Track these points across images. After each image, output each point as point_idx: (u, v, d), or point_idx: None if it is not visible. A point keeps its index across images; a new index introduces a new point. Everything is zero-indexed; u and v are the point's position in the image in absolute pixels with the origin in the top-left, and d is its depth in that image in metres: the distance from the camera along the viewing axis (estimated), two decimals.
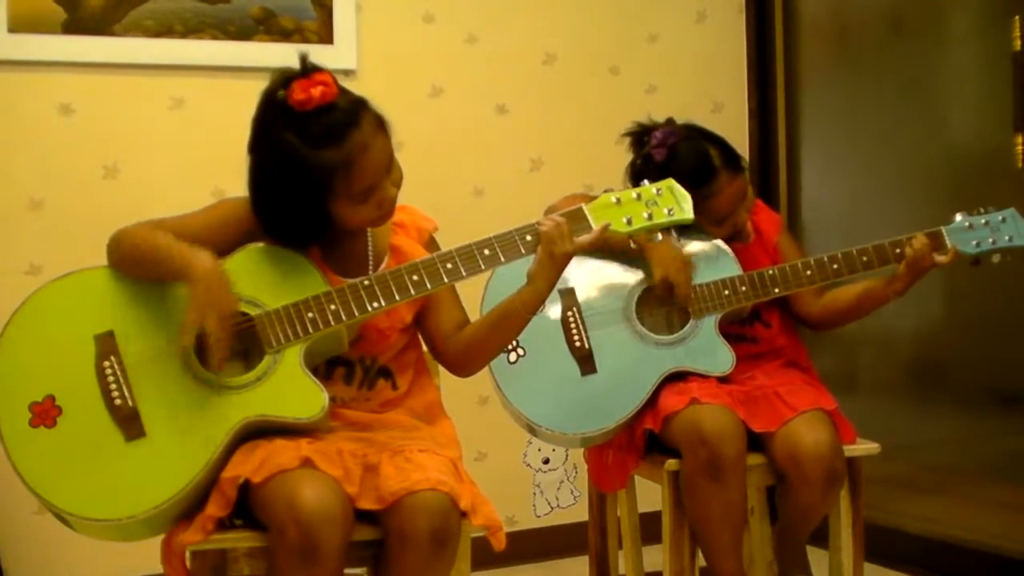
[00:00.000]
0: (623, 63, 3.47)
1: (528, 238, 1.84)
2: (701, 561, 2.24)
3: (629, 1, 3.49)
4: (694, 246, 2.29)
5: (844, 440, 2.22)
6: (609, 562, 2.56)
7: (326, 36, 3.10)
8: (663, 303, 2.29)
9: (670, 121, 2.33)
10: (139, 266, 1.80)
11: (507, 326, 1.91)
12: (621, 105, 3.37)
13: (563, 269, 1.84)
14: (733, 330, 2.32)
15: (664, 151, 2.26)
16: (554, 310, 2.23)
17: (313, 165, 1.73)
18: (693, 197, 2.12)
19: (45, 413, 1.73)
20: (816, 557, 2.37)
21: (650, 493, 2.38)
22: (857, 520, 2.28)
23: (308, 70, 1.74)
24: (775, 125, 3.65)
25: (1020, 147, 2.83)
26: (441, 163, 3.22)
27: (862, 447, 2.26)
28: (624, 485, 2.34)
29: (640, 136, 2.32)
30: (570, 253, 1.82)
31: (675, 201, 1.87)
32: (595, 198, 1.88)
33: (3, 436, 1.72)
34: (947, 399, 3.24)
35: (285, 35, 3.06)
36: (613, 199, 1.87)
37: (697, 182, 2.22)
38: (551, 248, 1.81)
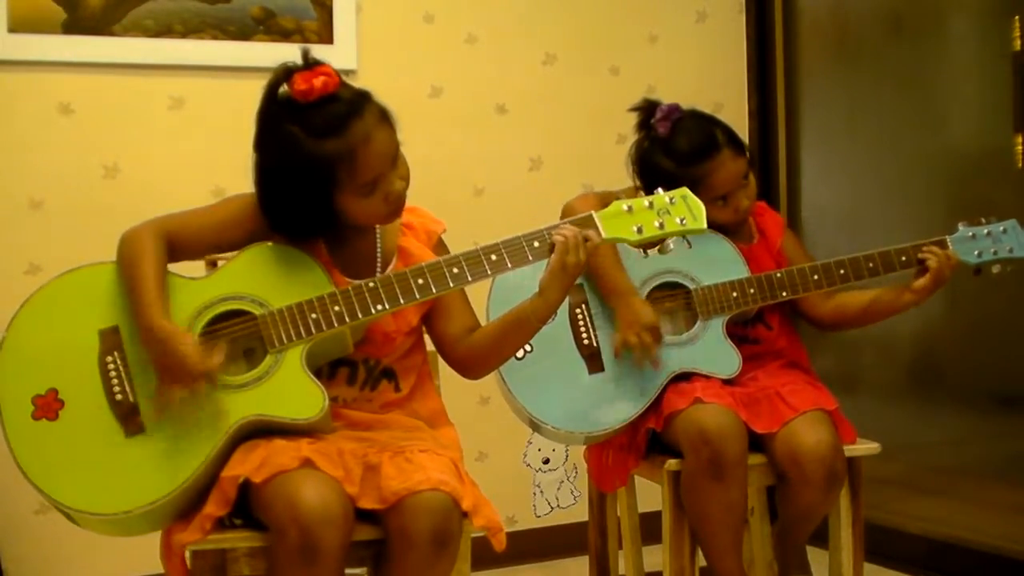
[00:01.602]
0: (623, 63, 3.47)
1: (536, 244, 1.82)
2: (701, 561, 2.24)
3: (629, 1, 3.49)
4: (705, 248, 2.28)
5: (844, 440, 2.22)
6: (609, 562, 2.56)
7: (326, 36, 3.09)
8: (672, 307, 2.28)
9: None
10: (124, 286, 1.80)
11: (518, 333, 1.91)
12: (621, 105, 3.34)
13: (576, 279, 1.84)
14: (736, 331, 2.32)
15: (668, 124, 2.26)
16: (562, 307, 2.21)
17: (316, 156, 1.73)
18: (694, 172, 2.15)
19: (47, 406, 1.74)
20: (816, 557, 2.37)
21: (650, 493, 2.38)
22: (857, 520, 2.28)
23: (310, 63, 1.75)
24: (775, 125, 3.65)
25: (1020, 147, 2.83)
26: (441, 163, 3.22)
27: (862, 447, 2.26)
28: (624, 483, 2.34)
29: (647, 114, 2.32)
30: (583, 264, 1.81)
31: (688, 210, 1.84)
32: (611, 198, 1.87)
33: (6, 428, 1.73)
34: (947, 400, 3.24)
35: (285, 35, 3.05)
36: (624, 207, 1.84)
37: (700, 154, 2.23)
38: (565, 259, 1.80)
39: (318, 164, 1.73)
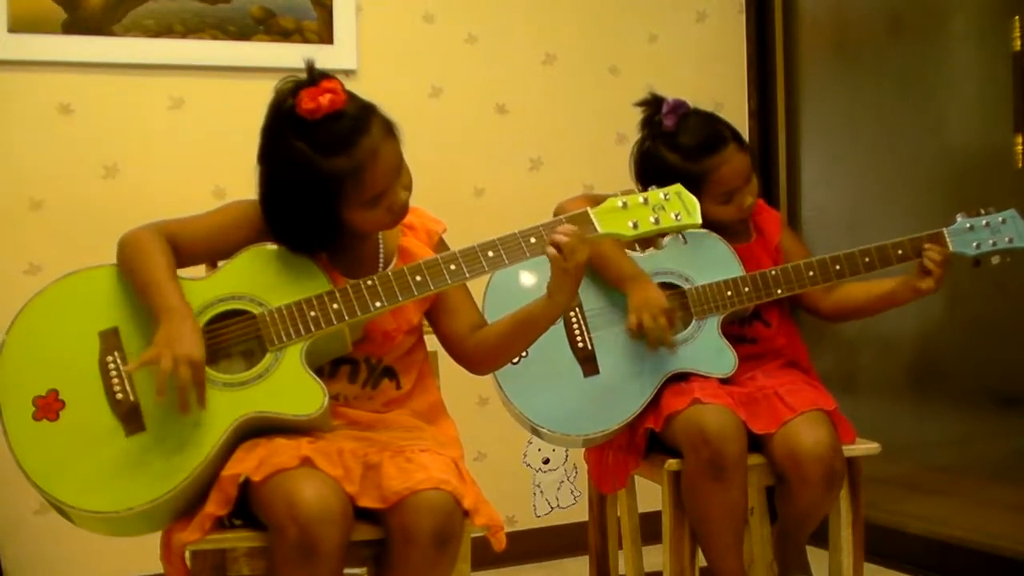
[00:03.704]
0: (623, 63, 3.47)
1: (532, 240, 1.83)
2: (701, 561, 2.24)
3: (629, 1, 3.49)
4: (699, 247, 2.28)
5: (844, 440, 2.21)
6: (609, 562, 2.56)
7: (326, 36, 3.10)
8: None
9: None
10: (130, 281, 1.80)
11: (527, 333, 1.92)
12: (621, 105, 3.35)
13: (581, 277, 1.84)
14: (733, 330, 2.32)
15: (675, 118, 2.26)
16: None
17: (324, 173, 1.73)
18: (700, 166, 2.17)
19: (48, 407, 1.74)
20: (816, 557, 2.37)
21: (650, 493, 2.38)
22: (857, 520, 2.28)
23: (315, 78, 1.74)
24: (775, 125, 3.65)
25: (1020, 147, 2.83)
26: (441, 163, 3.22)
27: (862, 447, 2.26)
28: (624, 485, 2.34)
29: (653, 109, 2.31)
30: (584, 263, 1.82)
31: (683, 206, 1.86)
32: (603, 199, 1.88)
33: (7, 429, 1.74)
34: (947, 399, 3.24)
35: (285, 35, 3.06)
36: (619, 203, 1.86)
37: (707, 148, 2.23)
38: (566, 264, 1.80)
39: (326, 180, 1.73)
